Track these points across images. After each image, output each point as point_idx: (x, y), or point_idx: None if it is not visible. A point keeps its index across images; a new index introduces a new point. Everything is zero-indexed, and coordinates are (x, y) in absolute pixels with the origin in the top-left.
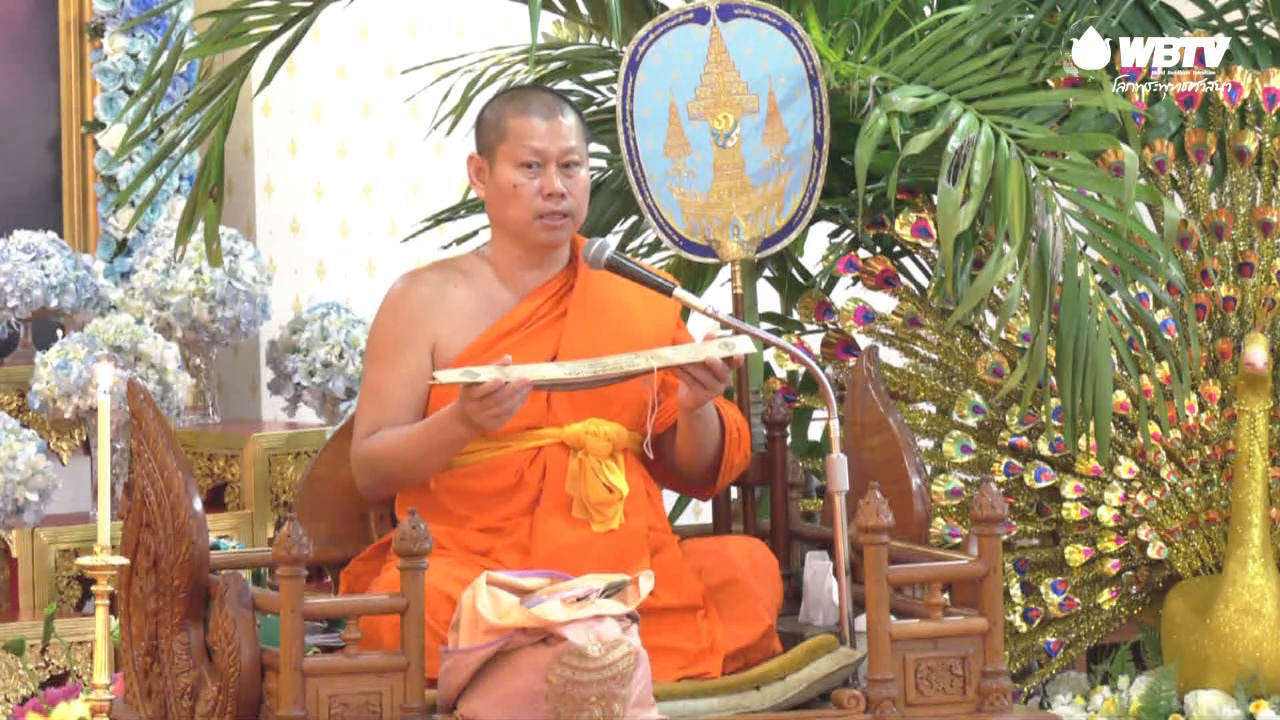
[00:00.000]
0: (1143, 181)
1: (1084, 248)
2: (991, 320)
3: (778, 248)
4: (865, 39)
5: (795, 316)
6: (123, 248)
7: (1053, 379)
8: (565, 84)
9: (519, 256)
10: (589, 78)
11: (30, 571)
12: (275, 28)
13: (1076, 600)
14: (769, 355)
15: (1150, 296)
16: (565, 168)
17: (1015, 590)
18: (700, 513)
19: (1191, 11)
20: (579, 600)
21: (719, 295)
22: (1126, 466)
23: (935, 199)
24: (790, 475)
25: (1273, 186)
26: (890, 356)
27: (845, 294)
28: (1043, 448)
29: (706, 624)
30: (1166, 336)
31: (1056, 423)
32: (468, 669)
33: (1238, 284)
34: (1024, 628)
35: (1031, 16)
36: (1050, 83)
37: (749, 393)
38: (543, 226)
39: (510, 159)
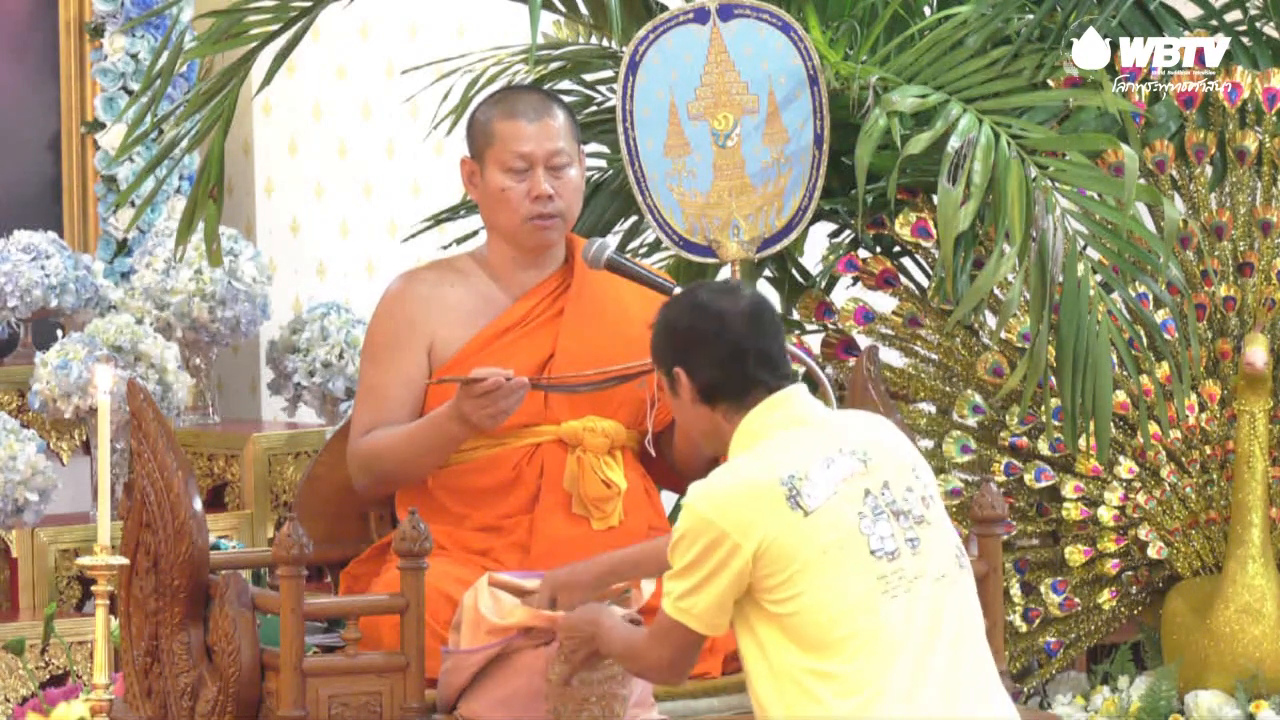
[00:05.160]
0: (1143, 181)
1: (1084, 248)
2: (991, 320)
3: (778, 248)
4: (865, 39)
5: (795, 316)
6: (123, 248)
7: (1053, 379)
8: (565, 84)
9: (513, 257)
10: (589, 78)
11: (30, 571)
12: (275, 28)
13: (1076, 600)
14: None
15: (1150, 296)
16: (553, 169)
17: (1015, 590)
18: None
19: (1191, 11)
20: None
21: None
22: (1126, 466)
23: (935, 199)
24: None
25: (1273, 186)
26: (890, 356)
27: (845, 294)
28: (1043, 448)
29: None
30: (1166, 336)
31: (1056, 423)
32: (469, 670)
33: (1238, 284)
34: (1024, 628)
35: (1031, 16)
36: (1050, 83)
37: None
38: (533, 229)
39: (498, 163)
